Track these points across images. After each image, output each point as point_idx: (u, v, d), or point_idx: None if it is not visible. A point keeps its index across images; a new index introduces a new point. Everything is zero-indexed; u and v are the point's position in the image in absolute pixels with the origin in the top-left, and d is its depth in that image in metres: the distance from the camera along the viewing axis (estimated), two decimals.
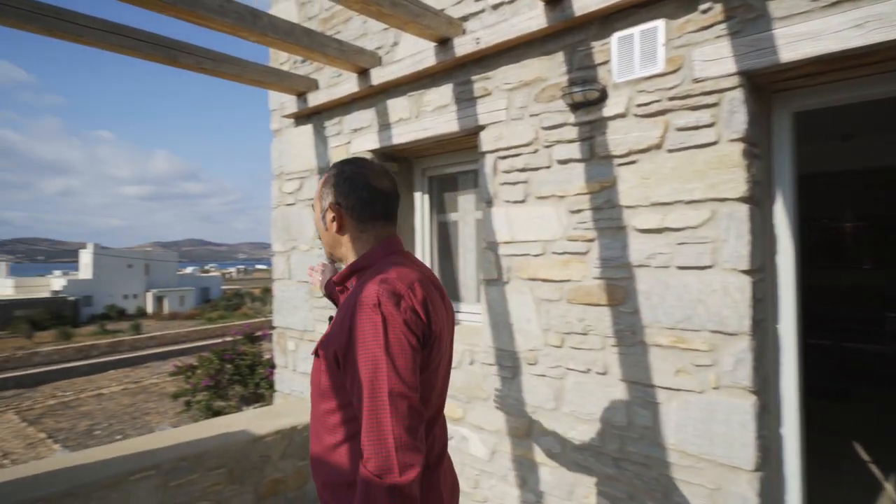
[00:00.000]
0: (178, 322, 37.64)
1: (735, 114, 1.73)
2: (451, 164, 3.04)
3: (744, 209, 1.71)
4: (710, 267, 1.78)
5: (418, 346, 1.11)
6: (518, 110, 2.32)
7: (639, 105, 1.94)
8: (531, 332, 2.30)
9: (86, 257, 43.60)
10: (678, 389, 1.85)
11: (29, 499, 2.02)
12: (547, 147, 2.22)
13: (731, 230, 1.74)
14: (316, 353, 1.24)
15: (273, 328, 3.81)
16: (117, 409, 17.39)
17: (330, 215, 1.28)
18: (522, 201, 2.32)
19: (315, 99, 3.19)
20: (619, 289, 2.01)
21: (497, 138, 2.40)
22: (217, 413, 8.57)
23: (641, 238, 1.95)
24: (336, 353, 1.13)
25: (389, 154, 3.08)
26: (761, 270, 1.79)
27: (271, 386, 6.91)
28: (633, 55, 1.95)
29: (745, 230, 1.71)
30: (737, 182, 1.72)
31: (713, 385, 1.77)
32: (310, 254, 3.45)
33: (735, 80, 1.73)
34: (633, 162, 1.97)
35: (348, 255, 1.31)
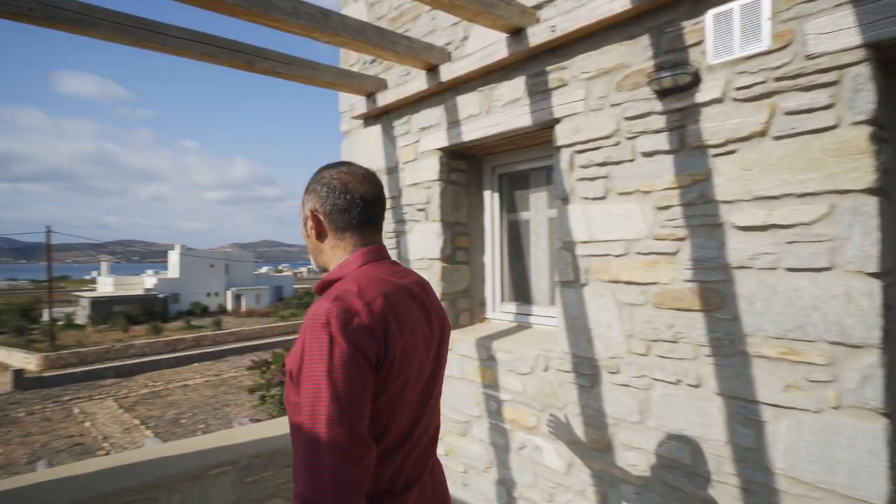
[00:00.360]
0: (255, 319, 39.82)
1: (860, 92, 1.50)
2: (523, 160, 2.92)
3: (871, 202, 1.48)
4: (828, 269, 1.56)
5: (369, 370, 1.01)
6: (597, 101, 2.17)
7: (738, 88, 1.74)
8: (612, 339, 2.14)
9: (174, 258, 47.09)
10: (788, 407, 1.64)
11: (120, 488, 2.12)
12: (630, 139, 2.06)
13: (855, 227, 1.51)
14: (282, 369, 1.18)
15: None
16: (200, 399, 18.60)
17: (309, 223, 1.23)
18: (602, 198, 2.16)
19: (384, 99, 3.18)
20: (715, 292, 1.82)
21: (574, 131, 2.26)
22: None
23: (742, 236, 1.75)
24: (291, 371, 1.07)
25: (458, 152, 3.01)
26: (893, 273, 1.55)
27: None
28: (731, 33, 1.75)
29: (873, 226, 1.48)
30: (862, 171, 1.49)
31: (833, 404, 1.55)
32: None
33: (859, 54, 1.50)
34: (731, 152, 1.77)
35: (329, 262, 1.25)
